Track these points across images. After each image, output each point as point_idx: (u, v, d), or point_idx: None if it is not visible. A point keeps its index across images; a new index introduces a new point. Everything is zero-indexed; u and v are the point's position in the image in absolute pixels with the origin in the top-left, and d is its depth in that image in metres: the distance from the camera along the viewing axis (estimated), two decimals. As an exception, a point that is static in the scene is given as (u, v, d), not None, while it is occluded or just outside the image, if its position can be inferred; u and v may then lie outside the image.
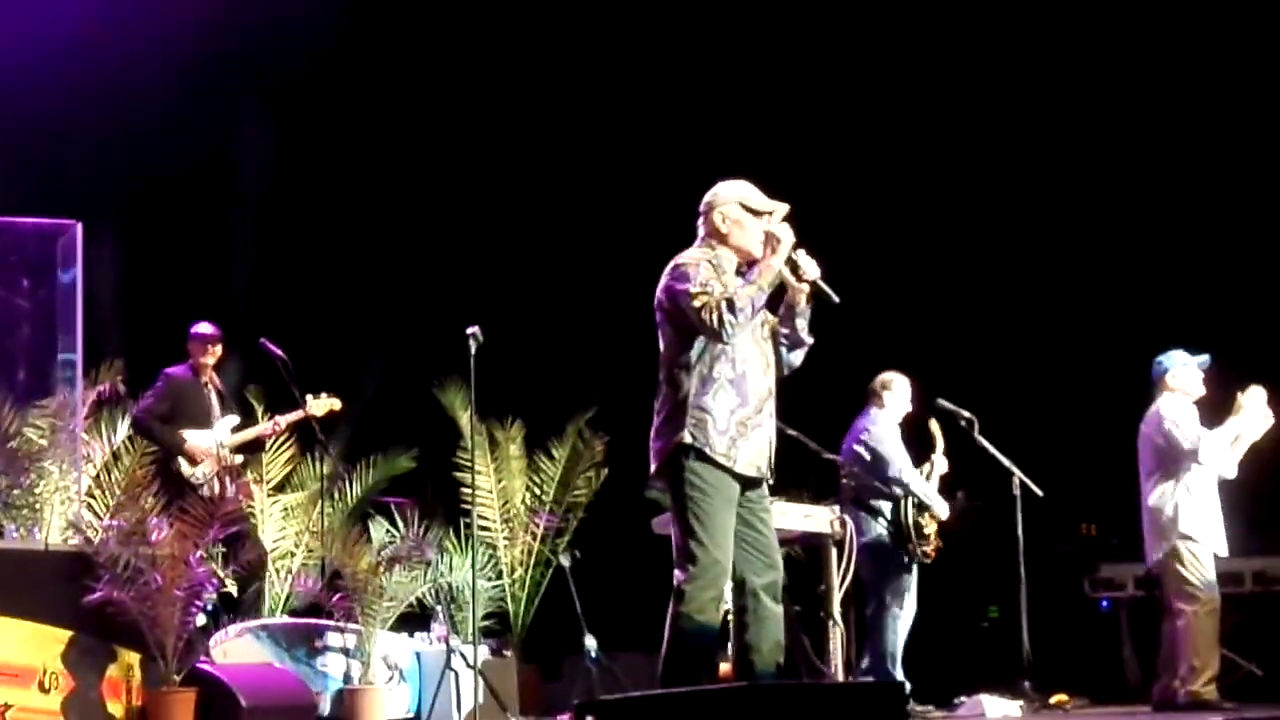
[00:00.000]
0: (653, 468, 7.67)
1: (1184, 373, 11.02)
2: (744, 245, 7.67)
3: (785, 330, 7.76)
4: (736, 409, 7.49)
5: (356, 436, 13.48)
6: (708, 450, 7.43)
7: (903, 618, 11.46)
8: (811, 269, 7.63)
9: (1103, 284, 15.57)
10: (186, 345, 12.25)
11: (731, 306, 7.37)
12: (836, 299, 7.66)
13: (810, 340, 7.81)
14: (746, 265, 7.70)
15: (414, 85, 15.98)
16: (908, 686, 10.94)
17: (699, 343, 7.55)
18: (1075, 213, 15.74)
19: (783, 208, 7.70)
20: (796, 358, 7.81)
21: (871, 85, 16.13)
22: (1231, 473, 10.93)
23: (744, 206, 7.67)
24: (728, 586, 7.71)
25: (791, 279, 7.67)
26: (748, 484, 7.54)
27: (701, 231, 7.78)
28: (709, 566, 7.37)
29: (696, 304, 7.45)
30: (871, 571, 11.46)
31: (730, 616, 7.64)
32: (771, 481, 7.76)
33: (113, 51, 14.47)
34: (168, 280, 14.32)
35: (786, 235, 7.56)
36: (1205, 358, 11.08)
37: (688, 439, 7.46)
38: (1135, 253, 15.54)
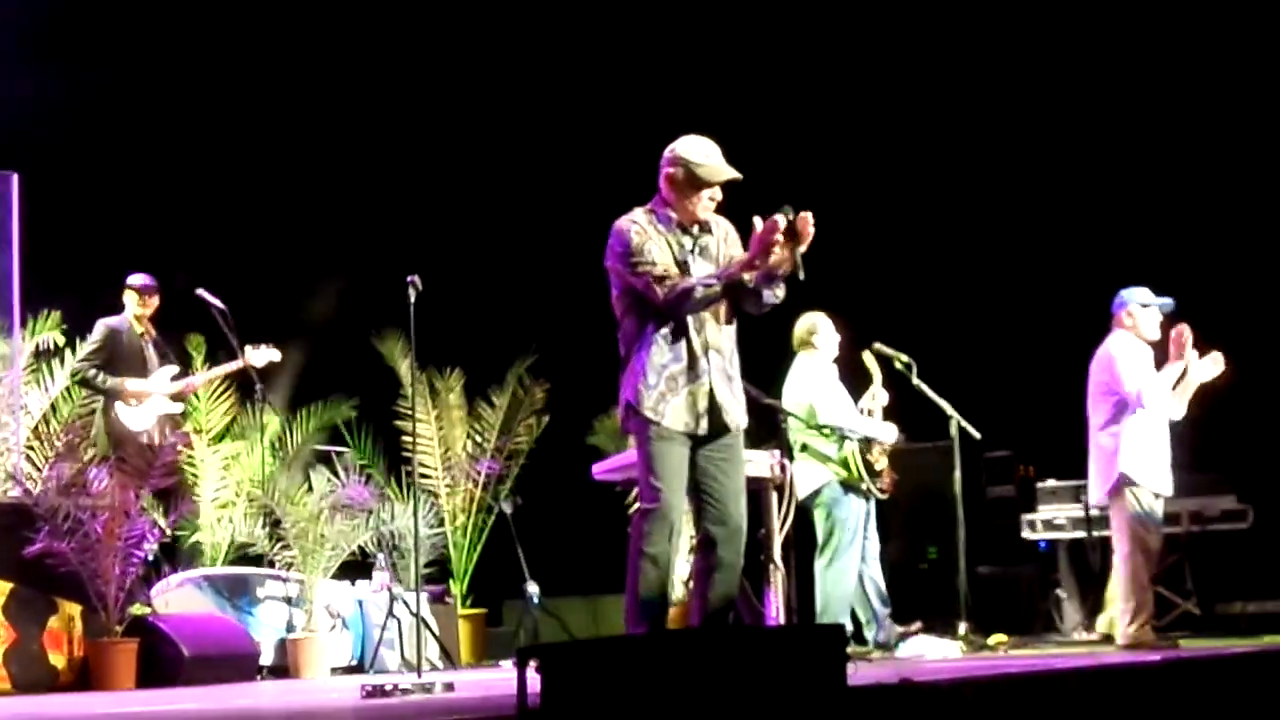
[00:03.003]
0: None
1: (1142, 313, 10.90)
2: (684, 207, 7.67)
3: (758, 288, 7.67)
4: (669, 364, 7.54)
5: (296, 385, 13.47)
6: (639, 407, 7.52)
7: (853, 562, 11.45)
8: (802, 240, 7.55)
9: (1039, 225, 15.61)
10: (122, 296, 12.21)
11: (686, 297, 7.45)
12: (803, 276, 7.60)
13: (776, 301, 7.73)
14: (690, 223, 7.69)
15: (355, 32, 15.89)
16: (849, 628, 11.09)
17: (635, 301, 7.59)
18: (1011, 154, 15.76)
19: (732, 175, 7.67)
20: (761, 311, 7.74)
21: (800, 26, 16.11)
22: (1180, 414, 10.94)
23: (690, 171, 7.66)
24: (687, 523, 7.84)
25: (784, 249, 7.56)
26: (692, 437, 7.58)
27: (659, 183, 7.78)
28: (660, 503, 7.49)
29: (640, 271, 7.51)
30: (823, 518, 11.48)
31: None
32: (734, 428, 7.71)
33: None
34: (105, 230, 14.22)
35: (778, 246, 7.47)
36: (1168, 301, 10.96)
37: (630, 396, 7.58)
38: (1072, 194, 15.59)
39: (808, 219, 7.40)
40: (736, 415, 7.70)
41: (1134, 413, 10.72)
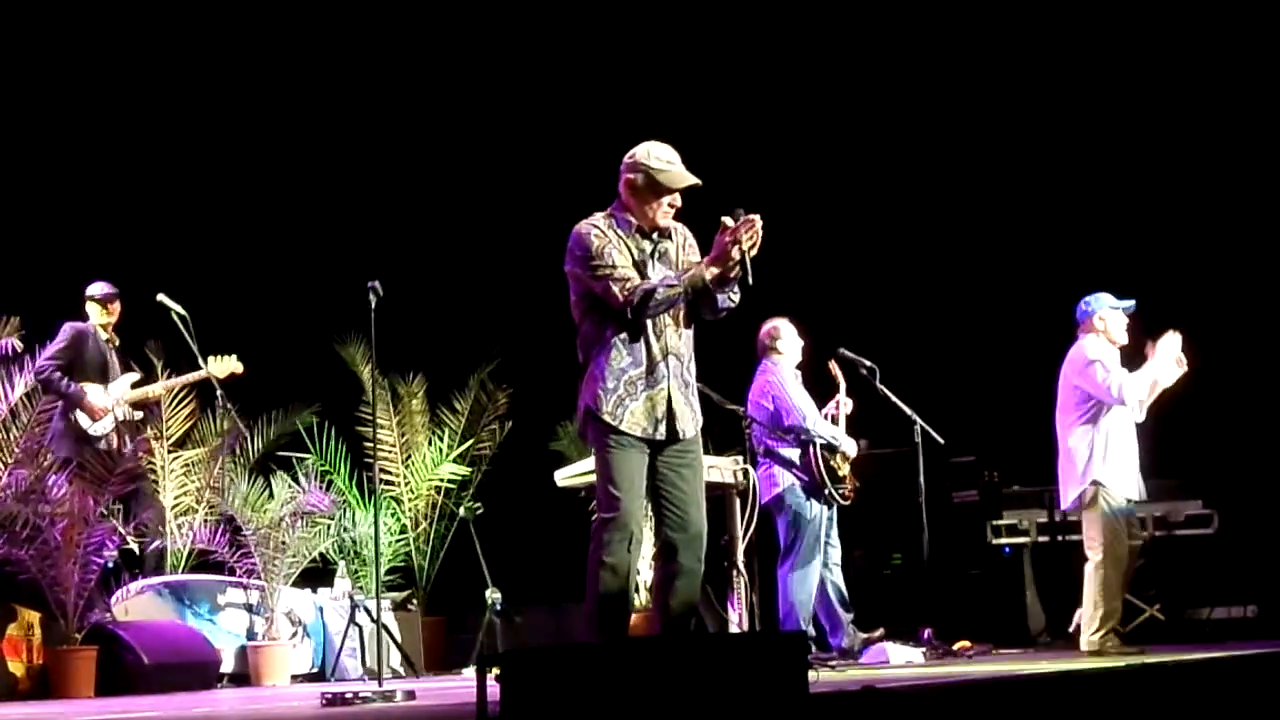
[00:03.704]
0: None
1: (1111, 316, 10.94)
2: (644, 212, 7.63)
3: (711, 293, 7.63)
4: (627, 368, 7.52)
5: (257, 391, 13.39)
6: (598, 412, 7.50)
7: (815, 568, 11.45)
8: (748, 242, 7.51)
9: (999, 230, 15.61)
10: (83, 306, 12.16)
11: (647, 299, 7.42)
12: (751, 280, 7.56)
13: (731, 305, 7.67)
14: (650, 229, 7.66)
15: (318, 38, 15.83)
16: (811, 634, 11.08)
17: (595, 305, 7.56)
18: (972, 161, 15.76)
19: (692, 181, 7.62)
20: (716, 317, 7.68)
21: (760, 32, 16.09)
22: (1141, 417, 10.94)
23: (651, 177, 7.62)
24: (646, 530, 7.81)
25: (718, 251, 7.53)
26: (650, 443, 7.56)
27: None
28: (619, 512, 7.46)
29: (600, 274, 7.48)
30: (785, 523, 11.46)
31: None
32: (685, 435, 7.67)
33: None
34: (65, 234, 14.15)
35: (736, 252, 7.42)
36: (1131, 303, 10.99)
37: (589, 401, 7.55)
38: (1032, 199, 15.59)
39: (754, 221, 7.37)
40: (691, 422, 7.67)
41: (1108, 414, 10.73)
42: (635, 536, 7.52)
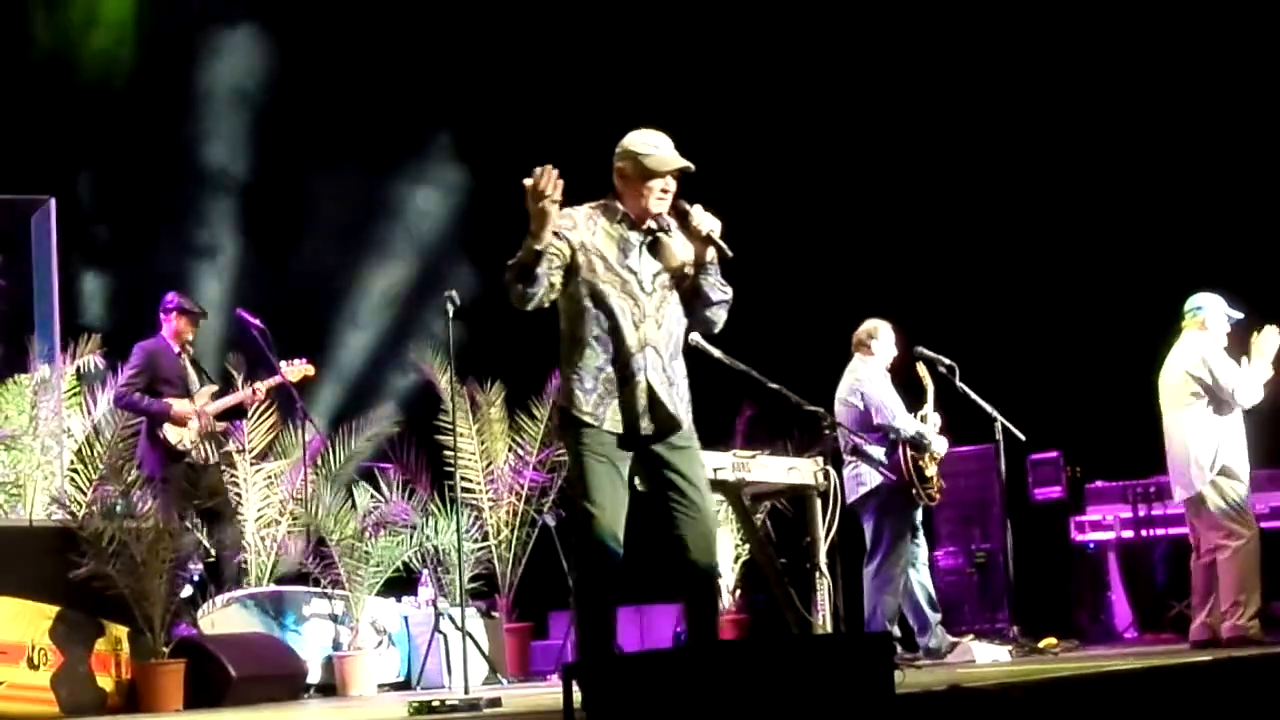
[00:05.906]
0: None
1: (1220, 321, 10.96)
2: (635, 202, 7.43)
3: (698, 286, 7.48)
4: (605, 365, 7.30)
5: (339, 403, 13.47)
6: (574, 411, 7.28)
7: (902, 568, 11.39)
8: (707, 223, 7.44)
9: (1081, 225, 15.56)
10: (161, 318, 12.24)
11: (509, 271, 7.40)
12: (730, 254, 7.43)
13: (723, 297, 7.49)
14: (641, 218, 7.42)
15: (393, 42, 15.91)
16: (898, 635, 11.04)
17: (567, 302, 7.47)
18: (1054, 157, 15.72)
19: (681, 164, 7.41)
20: (716, 314, 7.51)
21: (844, 27, 16.08)
22: (1258, 399, 10.89)
23: (638, 162, 7.43)
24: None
25: (685, 235, 7.45)
26: (638, 440, 7.34)
27: None
28: (594, 519, 7.18)
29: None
30: (873, 523, 11.39)
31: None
32: (675, 426, 7.34)
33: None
34: (143, 253, 14.26)
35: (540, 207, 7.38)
36: (1240, 315, 11.05)
37: (562, 402, 7.40)
38: (1116, 194, 15.53)
39: (694, 214, 7.33)
40: (681, 412, 7.38)
41: (1226, 405, 10.71)
42: (610, 549, 7.18)
